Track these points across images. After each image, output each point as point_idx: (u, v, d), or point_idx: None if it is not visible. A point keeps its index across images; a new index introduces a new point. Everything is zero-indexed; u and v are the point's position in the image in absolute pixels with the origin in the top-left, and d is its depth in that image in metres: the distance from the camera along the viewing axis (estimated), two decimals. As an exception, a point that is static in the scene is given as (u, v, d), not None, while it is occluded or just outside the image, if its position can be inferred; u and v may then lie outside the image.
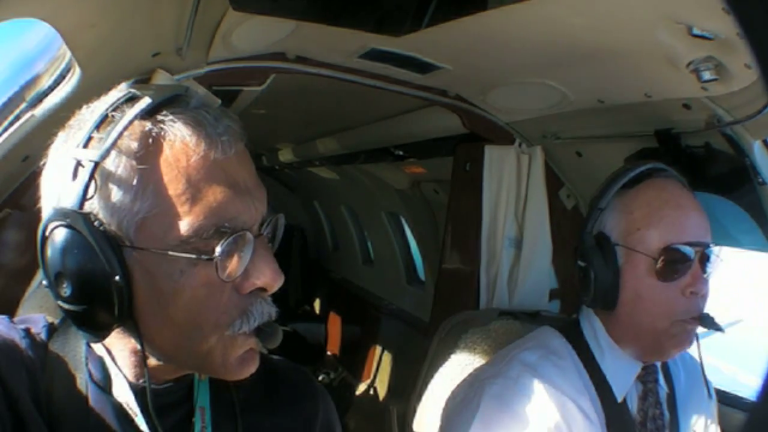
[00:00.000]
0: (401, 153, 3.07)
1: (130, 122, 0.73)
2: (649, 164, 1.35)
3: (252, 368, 0.82)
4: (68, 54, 1.28)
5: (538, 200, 2.12)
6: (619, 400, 1.30)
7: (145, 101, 0.75)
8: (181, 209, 0.73)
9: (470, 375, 1.48)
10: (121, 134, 0.72)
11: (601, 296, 1.31)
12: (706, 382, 1.41)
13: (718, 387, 1.52)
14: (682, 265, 1.26)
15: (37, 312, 0.98)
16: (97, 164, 0.72)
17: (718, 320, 1.26)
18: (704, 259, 1.27)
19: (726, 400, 1.58)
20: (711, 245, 1.28)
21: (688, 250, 1.25)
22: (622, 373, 1.32)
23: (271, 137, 4.16)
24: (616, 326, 1.33)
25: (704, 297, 1.28)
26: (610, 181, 1.36)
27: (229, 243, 0.74)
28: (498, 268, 2.13)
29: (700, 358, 1.40)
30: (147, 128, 0.74)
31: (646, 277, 1.27)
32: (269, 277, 0.78)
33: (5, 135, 1.41)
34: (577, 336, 1.37)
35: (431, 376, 1.76)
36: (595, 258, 1.31)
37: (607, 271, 1.30)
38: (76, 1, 1.11)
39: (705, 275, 1.27)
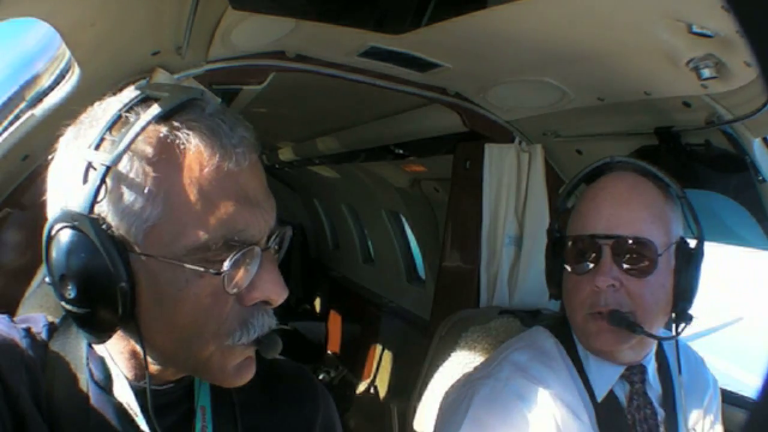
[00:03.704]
0: (401, 151, 3.07)
1: (145, 126, 0.72)
2: (606, 159, 1.35)
3: (249, 376, 0.82)
4: (68, 53, 1.27)
5: (538, 198, 2.13)
6: (599, 399, 1.29)
7: (160, 105, 0.73)
8: (191, 219, 0.72)
9: (463, 375, 1.48)
10: (135, 138, 0.71)
11: (551, 288, 1.39)
12: (679, 361, 1.37)
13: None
14: (589, 258, 1.25)
15: (37, 311, 0.98)
16: (109, 168, 0.71)
17: (630, 318, 1.22)
18: (621, 252, 1.22)
19: (725, 398, 1.58)
20: (628, 237, 1.22)
21: (592, 242, 1.24)
22: (602, 372, 1.31)
23: (272, 136, 4.16)
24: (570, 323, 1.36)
25: (622, 291, 1.23)
26: (571, 179, 1.42)
27: (238, 257, 0.74)
28: (498, 266, 2.13)
29: (677, 350, 1.36)
30: (162, 134, 0.72)
31: (568, 269, 1.31)
32: (274, 292, 0.78)
33: (5, 134, 1.41)
34: (566, 335, 1.37)
35: (431, 375, 1.76)
36: (548, 251, 1.39)
37: (554, 263, 1.36)
38: (75, 0, 1.11)
39: (629, 268, 1.22)
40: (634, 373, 1.33)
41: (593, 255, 1.25)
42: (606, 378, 1.31)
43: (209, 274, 0.73)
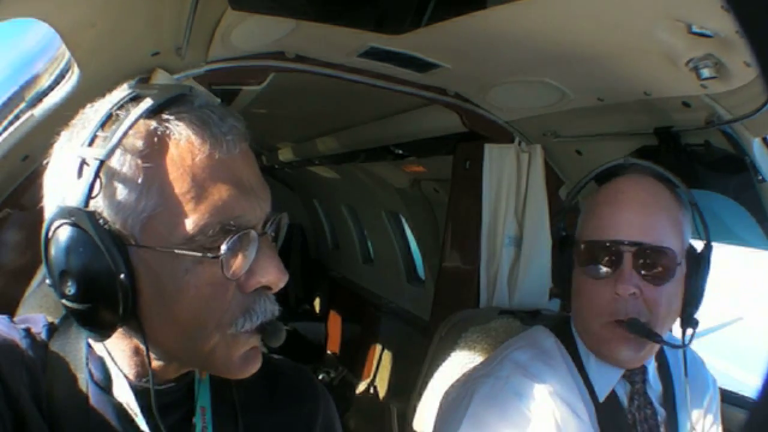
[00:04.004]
0: (401, 152, 3.07)
1: (135, 121, 0.73)
2: (623, 161, 1.33)
3: (255, 366, 0.82)
4: (67, 54, 1.28)
5: (538, 199, 2.12)
6: (601, 399, 1.29)
7: (149, 100, 0.74)
8: (186, 208, 0.73)
9: (464, 374, 1.48)
10: (126, 133, 0.72)
11: (559, 292, 1.36)
12: (685, 364, 1.36)
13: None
14: (608, 264, 1.23)
15: (37, 312, 0.98)
16: (102, 163, 0.72)
17: (648, 326, 1.20)
18: (642, 259, 1.21)
19: (725, 398, 1.58)
20: (650, 245, 1.20)
21: (613, 248, 1.22)
22: (604, 373, 1.31)
23: (271, 136, 4.16)
24: (575, 324, 1.35)
25: (640, 299, 1.21)
26: (581, 179, 1.39)
27: (234, 241, 0.74)
28: (498, 266, 2.13)
29: (684, 354, 1.36)
30: (152, 127, 0.74)
31: (581, 274, 1.27)
32: (273, 275, 0.78)
33: (5, 134, 1.41)
34: (567, 335, 1.36)
35: (431, 375, 1.76)
36: (556, 253, 1.37)
37: (562, 267, 1.33)
38: (75, 1, 1.11)
39: (646, 275, 1.21)
40: (635, 373, 1.32)
41: (613, 261, 1.22)
42: (607, 378, 1.30)
43: (207, 259, 0.74)
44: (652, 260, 1.21)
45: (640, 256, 1.21)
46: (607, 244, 1.23)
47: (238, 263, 0.76)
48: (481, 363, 1.45)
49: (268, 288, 0.79)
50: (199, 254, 0.73)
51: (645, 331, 1.20)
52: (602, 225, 1.25)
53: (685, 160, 1.61)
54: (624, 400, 1.31)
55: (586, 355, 1.32)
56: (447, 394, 1.46)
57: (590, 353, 1.32)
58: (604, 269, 1.23)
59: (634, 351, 1.24)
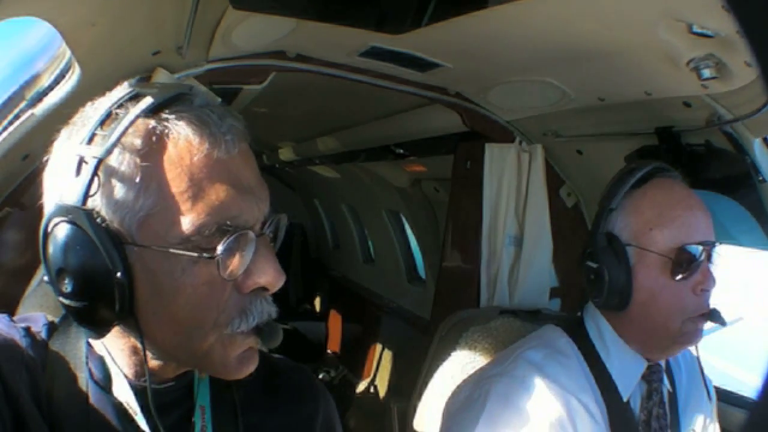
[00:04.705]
0: (402, 151, 3.07)
1: (134, 120, 0.73)
2: (654, 163, 1.36)
3: (251, 367, 0.82)
4: (68, 53, 1.28)
5: (538, 198, 2.12)
6: (625, 399, 1.31)
7: (149, 99, 0.75)
8: (184, 207, 0.73)
9: (474, 373, 1.47)
10: (125, 131, 0.72)
11: (615, 297, 1.30)
12: (705, 383, 1.41)
13: (715, 385, 1.52)
14: (692, 264, 1.26)
15: (37, 311, 0.99)
16: (100, 161, 0.72)
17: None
18: (710, 257, 1.28)
19: (725, 398, 1.58)
20: (716, 243, 1.29)
21: (698, 250, 1.27)
22: (628, 372, 1.32)
23: (272, 136, 4.16)
24: (625, 326, 1.33)
25: (710, 293, 1.29)
26: (617, 181, 1.35)
27: (231, 242, 0.74)
28: (498, 266, 2.13)
29: (698, 358, 1.39)
30: (151, 126, 0.74)
31: (660, 276, 1.27)
32: (271, 277, 0.78)
33: (5, 133, 1.41)
34: (581, 335, 1.37)
35: (432, 375, 1.76)
36: (607, 259, 1.30)
37: (620, 272, 1.29)
38: (76, 0, 1.11)
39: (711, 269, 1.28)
40: (653, 372, 1.35)
41: (696, 261, 1.27)
42: (631, 376, 1.33)
43: (203, 259, 0.73)
44: (714, 256, 1.30)
45: (709, 253, 1.29)
46: (697, 246, 1.27)
47: (235, 264, 0.76)
48: (493, 362, 1.44)
49: (265, 289, 0.79)
50: (196, 254, 0.73)
51: (722, 319, 1.28)
52: (688, 229, 1.28)
53: (686, 160, 1.61)
54: (638, 399, 1.33)
55: (607, 354, 1.33)
56: (456, 393, 1.45)
57: (612, 352, 1.33)
58: (690, 269, 1.27)
59: (700, 338, 1.31)
